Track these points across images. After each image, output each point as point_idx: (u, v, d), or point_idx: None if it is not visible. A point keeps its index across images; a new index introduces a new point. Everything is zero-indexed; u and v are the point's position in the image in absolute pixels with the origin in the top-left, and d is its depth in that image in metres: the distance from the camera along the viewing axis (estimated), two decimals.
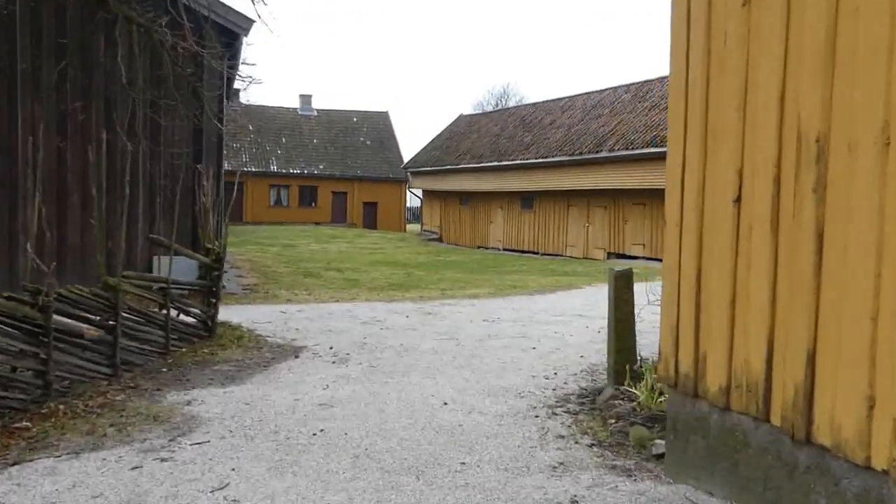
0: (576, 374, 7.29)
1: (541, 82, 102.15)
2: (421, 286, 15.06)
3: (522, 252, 29.09)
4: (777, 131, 3.60)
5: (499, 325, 9.99)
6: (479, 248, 32.55)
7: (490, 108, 56.99)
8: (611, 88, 27.73)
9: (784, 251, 3.58)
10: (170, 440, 4.87)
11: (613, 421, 5.57)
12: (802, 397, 3.45)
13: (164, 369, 6.94)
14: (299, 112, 47.93)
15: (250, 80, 9.90)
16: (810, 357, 3.41)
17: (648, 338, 8.19)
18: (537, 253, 28.20)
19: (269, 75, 69.61)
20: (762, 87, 3.69)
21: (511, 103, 60.24)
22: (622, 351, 6.58)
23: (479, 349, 8.33)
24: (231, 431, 5.10)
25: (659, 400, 5.53)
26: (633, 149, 21.41)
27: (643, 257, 22.58)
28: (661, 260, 20.63)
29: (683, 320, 4.30)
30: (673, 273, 4.39)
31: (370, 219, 45.81)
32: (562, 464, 4.63)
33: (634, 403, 5.75)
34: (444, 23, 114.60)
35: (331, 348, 8.22)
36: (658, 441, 4.95)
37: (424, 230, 39.81)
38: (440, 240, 36.83)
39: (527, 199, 29.06)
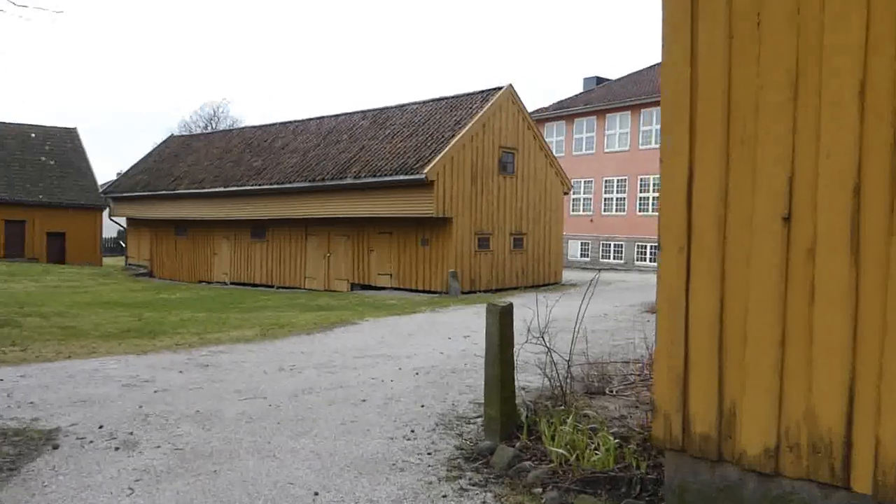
0: (434, 430, 6.14)
1: (252, 105, 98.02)
2: (167, 331, 12.54)
3: (254, 286, 26.83)
4: (857, 129, 2.96)
5: (303, 375, 8.38)
6: (200, 282, 29.37)
7: (199, 130, 52.89)
8: (346, 114, 27.07)
9: (872, 278, 2.92)
10: None
11: (540, 490, 4.56)
12: None
13: None
14: None
15: None
16: None
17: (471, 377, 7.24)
18: (272, 286, 26.21)
19: None
20: (831, 74, 3.03)
21: (222, 126, 56.69)
22: (507, 400, 5.62)
23: (302, 409, 6.74)
24: None
25: (592, 459, 4.65)
26: (379, 176, 20.88)
27: (391, 287, 22.09)
28: (412, 290, 20.19)
29: (696, 367, 3.47)
30: (675, 308, 3.54)
31: (57, 252, 39.01)
32: None
33: (553, 464, 4.80)
34: (138, 38, 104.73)
35: (100, 427, 5.96)
36: None
37: (131, 264, 34.97)
38: (151, 274, 32.61)
39: (258, 229, 26.93)
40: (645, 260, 34.63)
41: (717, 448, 3.40)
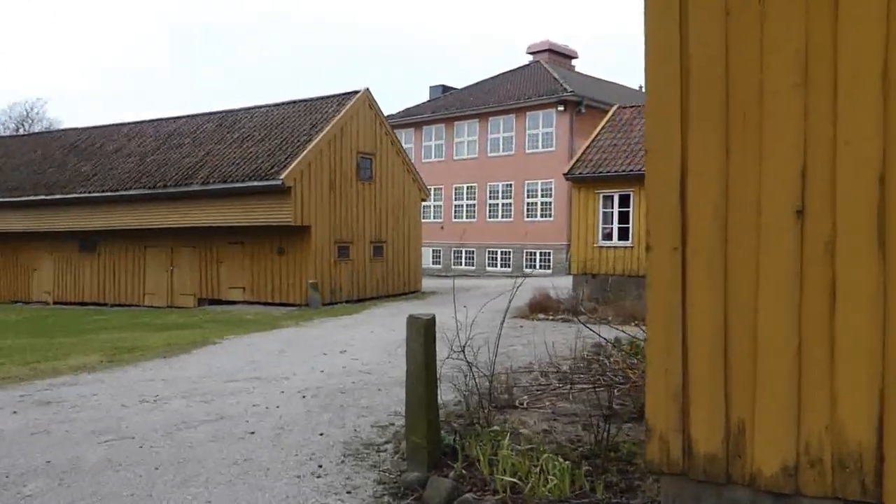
0: (344, 463, 5.45)
1: (73, 106, 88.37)
2: None
3: (83, 304, 24.08)
4: (879, 112, 2.72)
5: (172, 407, 7.27)
6: (16, 302, 25.93)
7: (9, 132, 47.19)
8: (188, 116, 25.09)
9: None
10: None
11: None
12: None
13: None
14: None
15: None
16: None
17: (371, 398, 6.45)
18: (105, 304, 23.63)
19: None
20: (848, 50, 2.77)
21: (38, 128, 50.95)
22: (433, 424, 5.04)
23: (181, 448, 5.75)
24: None
25: (546, 486, 4.18)
26: (231, 182, 19.43)
27: (244, 301, 20.63)
28: (268, 303, 18.81)
29: (698, 381, 3.11)
30: (670, 315, 3.16)
31: None
32: None
33: (501, 496, 4.28)
34: None
35: None
36: None
37: None
38: None
39: (87, 241, 24.19)
40: (496, 265, 35.30)
41: (724, 470, 3.05)
